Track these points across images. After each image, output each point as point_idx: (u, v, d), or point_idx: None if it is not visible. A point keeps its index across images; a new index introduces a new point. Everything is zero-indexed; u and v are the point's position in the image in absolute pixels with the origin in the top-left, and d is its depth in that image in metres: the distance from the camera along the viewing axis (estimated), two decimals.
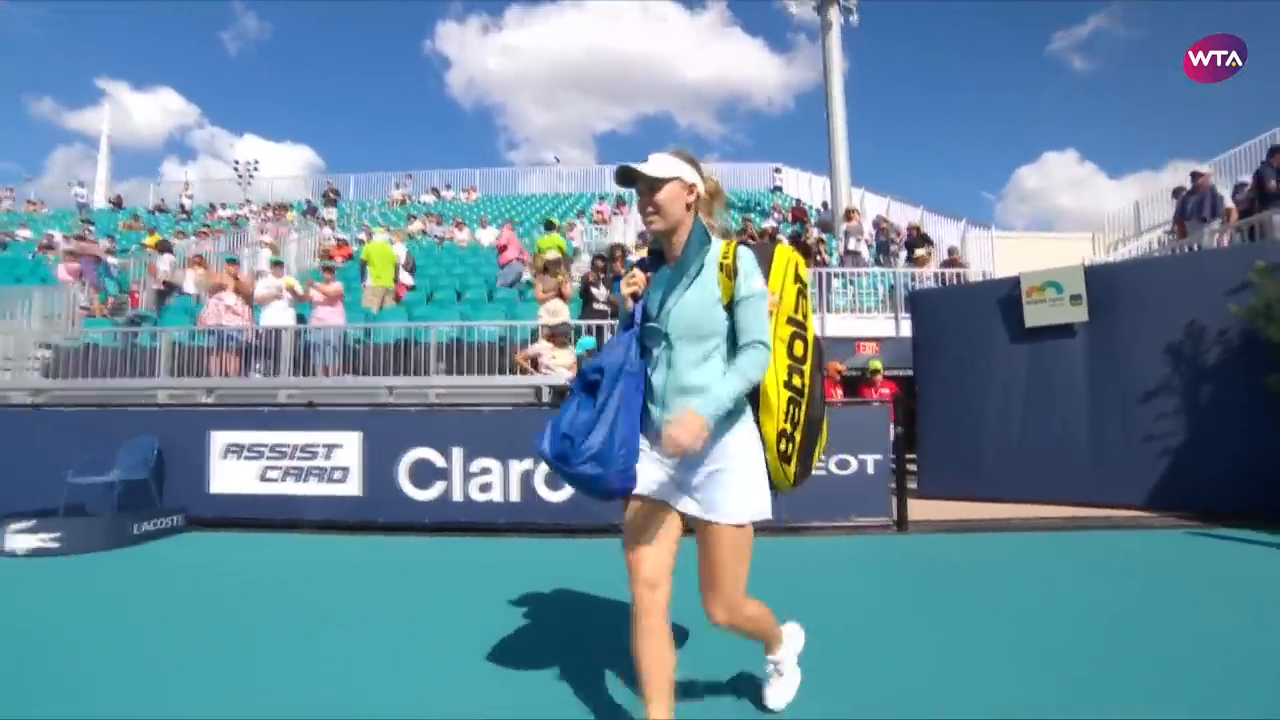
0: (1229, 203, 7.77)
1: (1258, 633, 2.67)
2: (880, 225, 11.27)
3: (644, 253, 7.94)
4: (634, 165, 1.63)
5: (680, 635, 2.43)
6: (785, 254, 1.85)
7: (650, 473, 1.65)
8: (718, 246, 1.68)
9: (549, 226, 11.50)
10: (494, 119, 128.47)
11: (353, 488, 5.06)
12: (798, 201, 17.67)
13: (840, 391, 7.49)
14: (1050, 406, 6.24)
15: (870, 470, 5.06)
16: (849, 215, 11.48)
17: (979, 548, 4.43)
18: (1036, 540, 4.61)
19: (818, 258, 10.39)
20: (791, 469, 1.78)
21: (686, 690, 2.03)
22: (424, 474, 4.99)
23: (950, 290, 8.68)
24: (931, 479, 6.62)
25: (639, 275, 1.77)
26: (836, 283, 10.06)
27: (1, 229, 16.76)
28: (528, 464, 4.96)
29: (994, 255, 10.04)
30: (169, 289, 10.47)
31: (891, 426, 5.16)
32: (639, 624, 1.59)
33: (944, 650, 2.54)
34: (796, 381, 1.75)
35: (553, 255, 8.92)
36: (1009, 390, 6.47)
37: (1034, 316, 6.44)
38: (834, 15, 14.69)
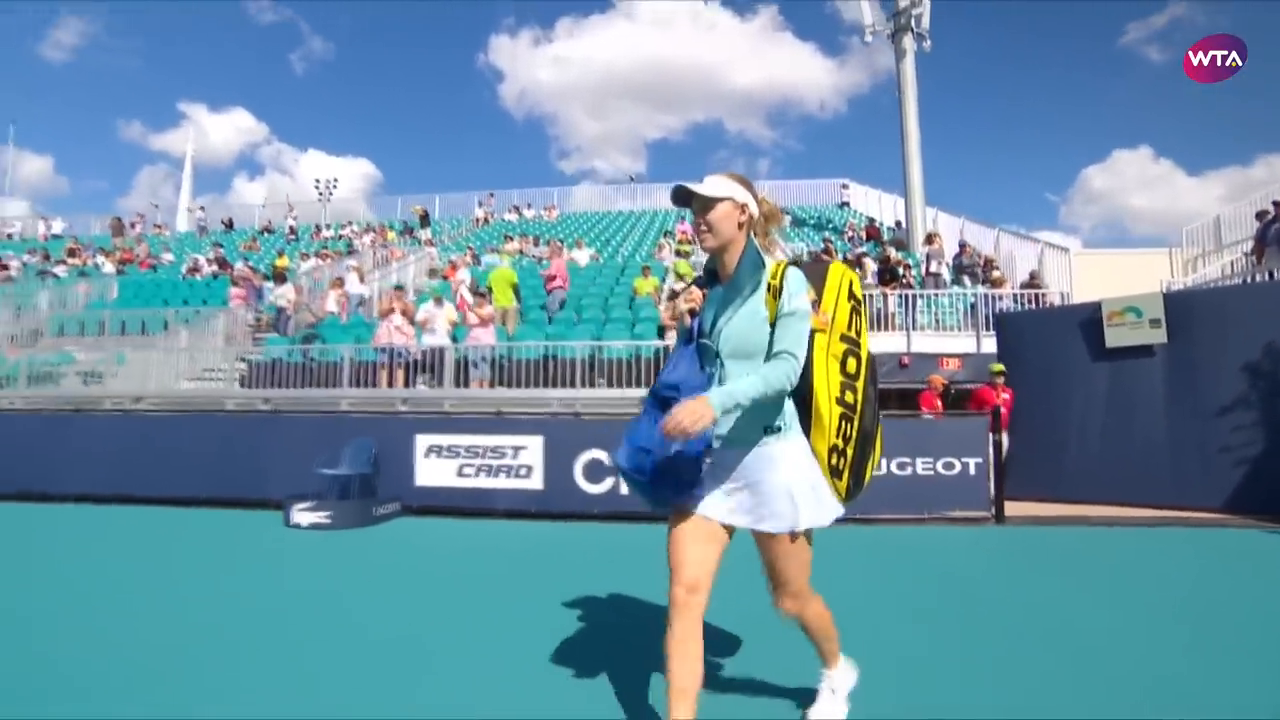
0: None
1: None
2: (964, 249, 12.03)
3: None
4: (688, 185, 1.71)
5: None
6: (839, 271, 1.88)
7: (714, 491, 1.73)
8: (769, 267, 1.73)
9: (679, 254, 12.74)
10: (545, 129, 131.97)
11: (536, 482, 6.25)
12: (871, 221, 18.38)
13: (941, 403, 8.32)
14: (1130, 418, 6.98)
15: (972, 471, 5.96)
16: (930, 239, 12.26)
17: (1066, 539, 5.28)
18: (1117, 533, 5.42)
19: (904, 280, 11.20)
20: (844, 484, 1.81)
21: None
22: (595, 471, 6.15)
23: (1035, 313, 9.42)
24: (1017, 481, 7.41)
25: (696, 293, 1.83)
26: (920, 302, 10.85)
27: (151, 254, 18.96)
28: None
29: (1071, 276, 10.66)
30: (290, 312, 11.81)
31: (990, 435, 6.04)
32: (673, 625, 1.64)
33: (1037, 622, 3.48)
34: (849, 398, 1.79)
35: (680, 285, 10.08)
36: (1090, 403, 7.22)
37: (1115, 338, 7.18)
38: (908, 43, 15.45)
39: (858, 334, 1.85)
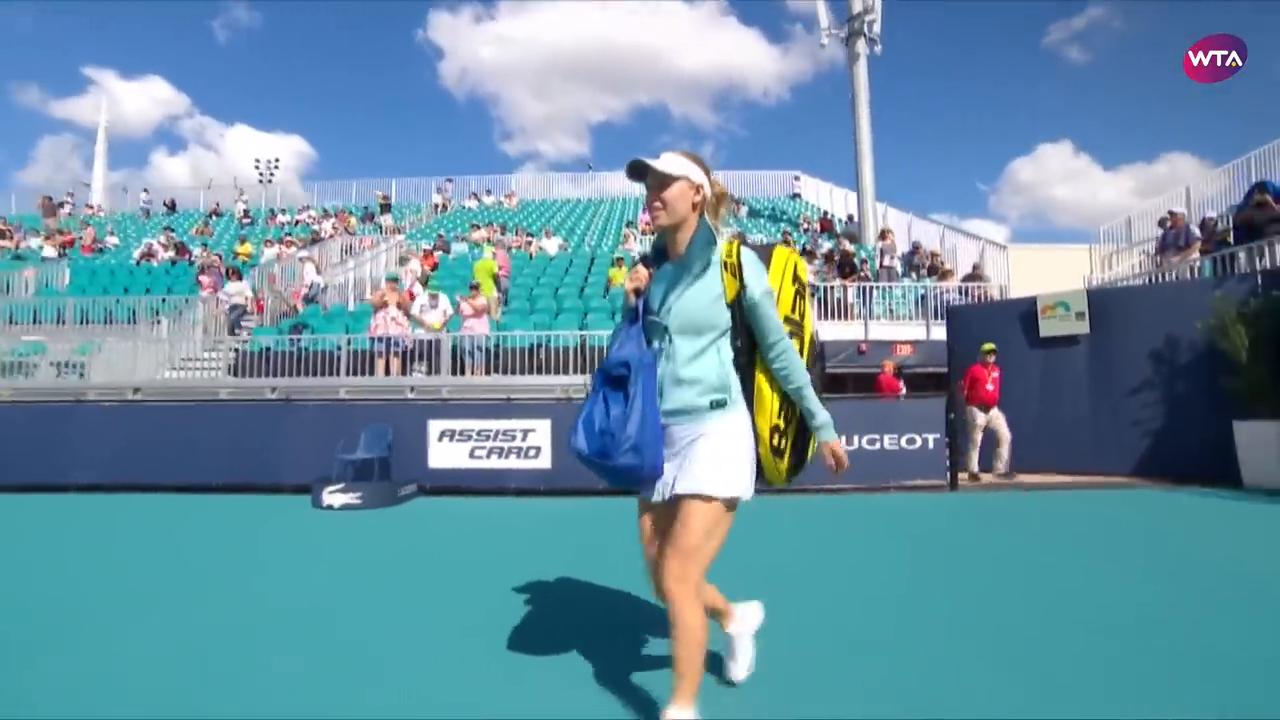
0: (1198, 234, 9.60)
1: (1206, 551, 4.51)
2: (916, 249, 13.15)
3: None
4: (646, 159, 1.72)
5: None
6: (784, 255, 1.91)
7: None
8: (720, 245, 1.77)
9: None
10: (488, 109, 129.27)
11: (544, 462, 6.83)
12: (825, 213, 19.44)
13: (903, 385, 9.26)
14: (1058, 397, 8.08)
15: (930, 446, 6.89)
16: (883, 235, 13.31)
17: (1007, 501, 6.25)
18: (1048, 496, 6.45)
19: (860, 273, 12.18)
20: (784, 463, 1.83)
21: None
22: None
23: (980, 306, 10.53)
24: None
25: (641, 272, 1.84)
26: (876, 294, 11.85)
27: (96, 238, 18.24)
28: None
29: (1008, 270, 11.86)
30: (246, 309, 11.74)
31: (946, 414, 6.98)
32: (673, 612, 1.66)
33: (989, 560, 4.35)
34: None
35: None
36: (1026, 384, 8.29)
37: (1047, 329, 8.27)
38: (861, 47, 16.44)
39: (801, 317, 1.87)
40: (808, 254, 14.37)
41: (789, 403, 1.79)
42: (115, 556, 4.30)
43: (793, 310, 1.86)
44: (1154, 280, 9.99)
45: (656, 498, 1.75)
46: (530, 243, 15.41)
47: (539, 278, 12.58)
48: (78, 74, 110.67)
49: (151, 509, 6.13)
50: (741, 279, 1.71)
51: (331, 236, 16.54)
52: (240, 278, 12.62)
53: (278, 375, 9.20)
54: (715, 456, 1.66)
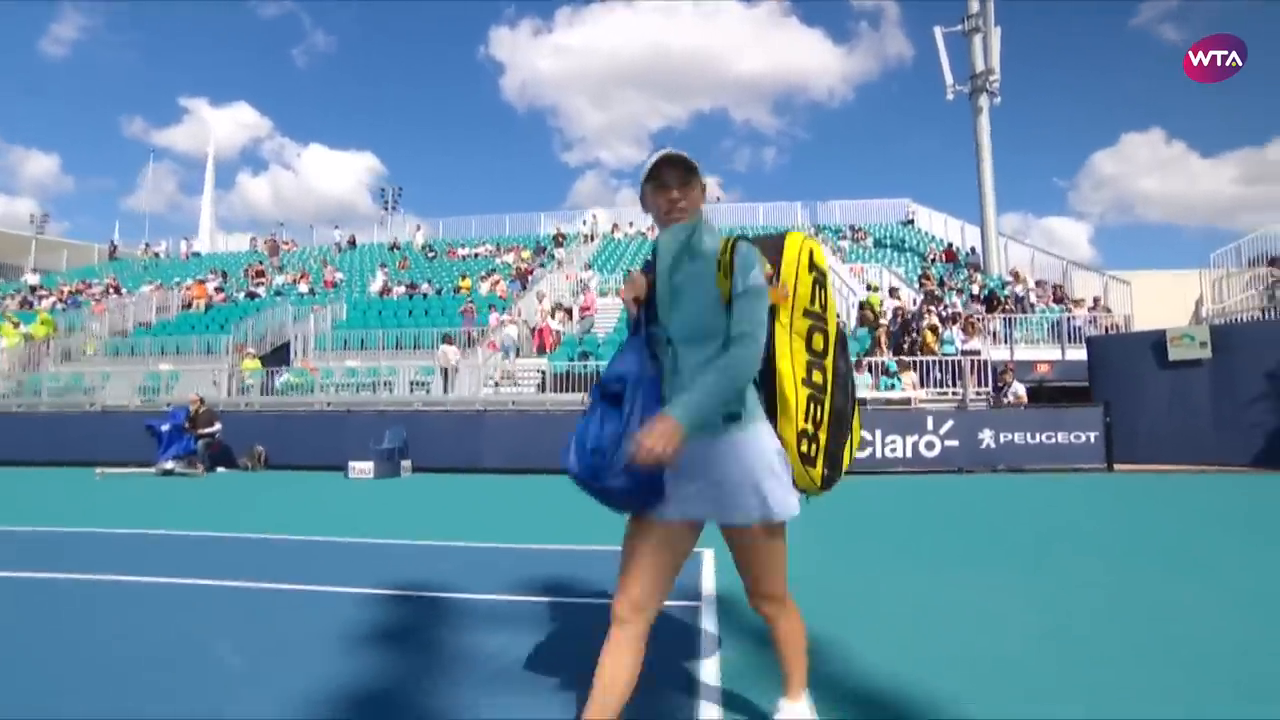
0: None
1: None
2: (1039, 283, 16.06)
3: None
4: (680, 152, 1.68)
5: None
6: (797, 241, 1.81)
7: (673, 488, 1.61)
8: (717, 243, 1.67)
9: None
10: (547, 120, 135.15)
11: None
12: (949, 245, 22.28)
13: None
14: (1186, 405, 10.96)
15: (1091, 440, 9.97)
16: (1015, 275, 16.30)
17: (1151, 481, 9.24)
18: (1184, 478, 9.41)
19: (1004, 305, 15.14)
20: (817, 471, 1.75)
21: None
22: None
23: (1116, 336, 13.42)
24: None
25: (640, 279, 1.76)
26: (1016, 322, 14.79)
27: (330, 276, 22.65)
28: None
29: (1132, 302, 14.67)
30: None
31: (1104, 419, 10.05)
32: (611, 637, 1.61)
33: (1142, 528, 7.42)
34: (817, 378, 1.74)
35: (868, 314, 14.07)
36: (1159, 395, 11.17)
37: (1175, 354, 11.17)
38: (983, 102, 19.37)
39: (823, 308, 1.79)
40: (942, 285, 17.36)
41: (815, 405, 1.73)
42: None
43: (812, 302, 1.77)
44: (1265, 316, 12.72)
45: (670, 515, 1.62)
46: None
47: None
48: (175, 104, 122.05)
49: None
50: (732, 276, 1.60)
51: (529, 272, 20.41)
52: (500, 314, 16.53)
53: (573, 391, 12.85)
54: (758, 480, 1.59)
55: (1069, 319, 14.59)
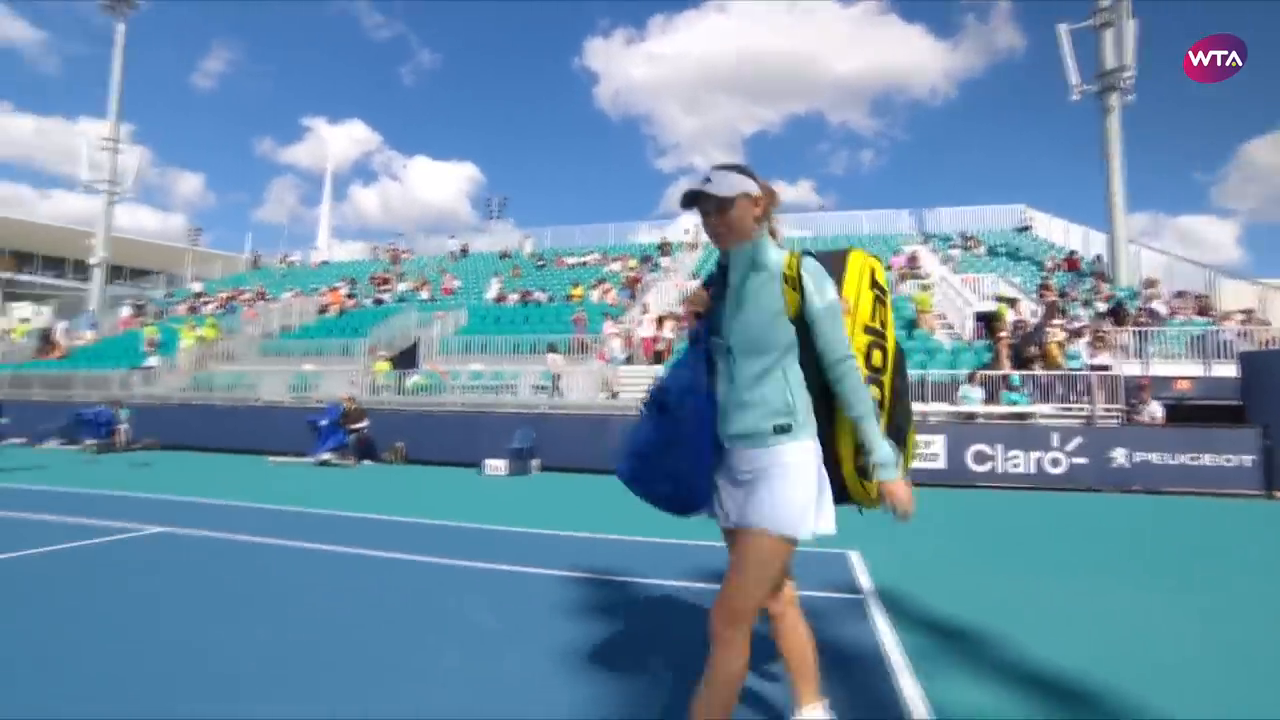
0: None
1: None
2: (1180, 295, 15.10)
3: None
4: (702, 187, 1.69)
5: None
6: (859, 259, 1.87)
7: (724, 497, 1.76)
8: (781, 257, 1.71)
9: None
10: (640, 128, 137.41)
11: (940, 464, 10.16)
12: (1072, 252, 21.22)
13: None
14: None
15: (1247, 464, 9.42)
16: (1150, 283, 15.42)
17: None
18: None
19: (1137, 317, 14.38)
20: (873, 485, 1.74)
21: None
22: (980, 458, 10.00)
23: (1275, 351, 12.49)
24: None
25: (701, 294, 1.85)
26: (1152, 335, 14.01)
27: (426, 280, 24.27)
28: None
29: None
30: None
31: (1261, 441, 9.48)
32: (775, 630, 1.96)
33: None
34: (874, 394, 1.75)
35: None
36: None
37: None
38: (1114, 100, 18.38)
39: (883, 325, 1.83)
40: (1063, 296, 16.64)
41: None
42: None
43: (872, 318, 1.82)
44: None
45: (722, 523, 1.73)
46: None
47: None
48: (297, 123, 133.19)
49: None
50: (802, 292, 1.64)
51: (638, 280, 21.12)
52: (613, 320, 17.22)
53: None
54: (778, 491, 1.63)
55: (1215, 332, 13.68)
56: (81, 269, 45.96)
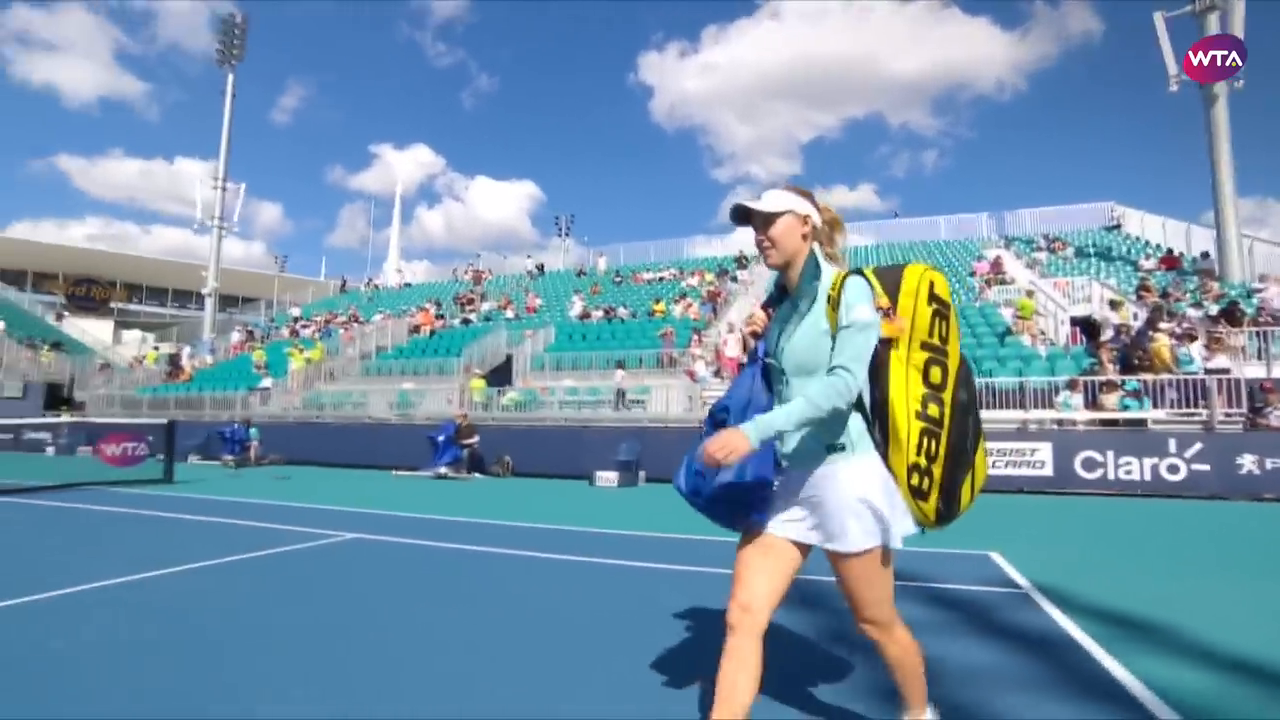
0: None
1: None
2: None
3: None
4: (746, 202, 1.78)
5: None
6: (917, 273, 1.84)
7: (784, 514, 1.79)
8: (829, 278, 1.75)
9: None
10: (696, 139, 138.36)
11: (1048, 471, 10.17)
12: (1169, 251, 20.50)
13: None
14: None
15: None
16: (1263, 278, 14.83)
17: None
18: None
19: (1258, 317, 13.86)
20: (930, 505, 1.79)
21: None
22: (1091, 464, 9.97)
23: None
24: None
25: (759, 315, 1.91)
26: (1273, 335, 13.47)
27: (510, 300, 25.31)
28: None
29: None
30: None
31: None
32: (726, 642, 1.72)
33: None
34: (933, 411, 1.77)
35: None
36: None
37: None
38: (1219, 88, 17.70)
39: (944, 340, 1.82)
40: (1165, 296, 16.13)
41: (930, 438, 1.76)
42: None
43: (931, 334, 1.81)
44: None
45: (774, 531, 1.79)
46: None
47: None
48: (366, 151, 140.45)
49: None
50: (838, 310, 1.68)
51: (718, 294, 21.57)
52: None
53: None
54: (857, 510, 1.69)
55: None
56: (179, 297, 50.01)
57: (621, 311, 21.91)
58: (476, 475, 13.44)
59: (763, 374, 1.84)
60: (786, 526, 1.79)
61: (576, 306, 23.15)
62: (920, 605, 3.78)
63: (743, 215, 1.82)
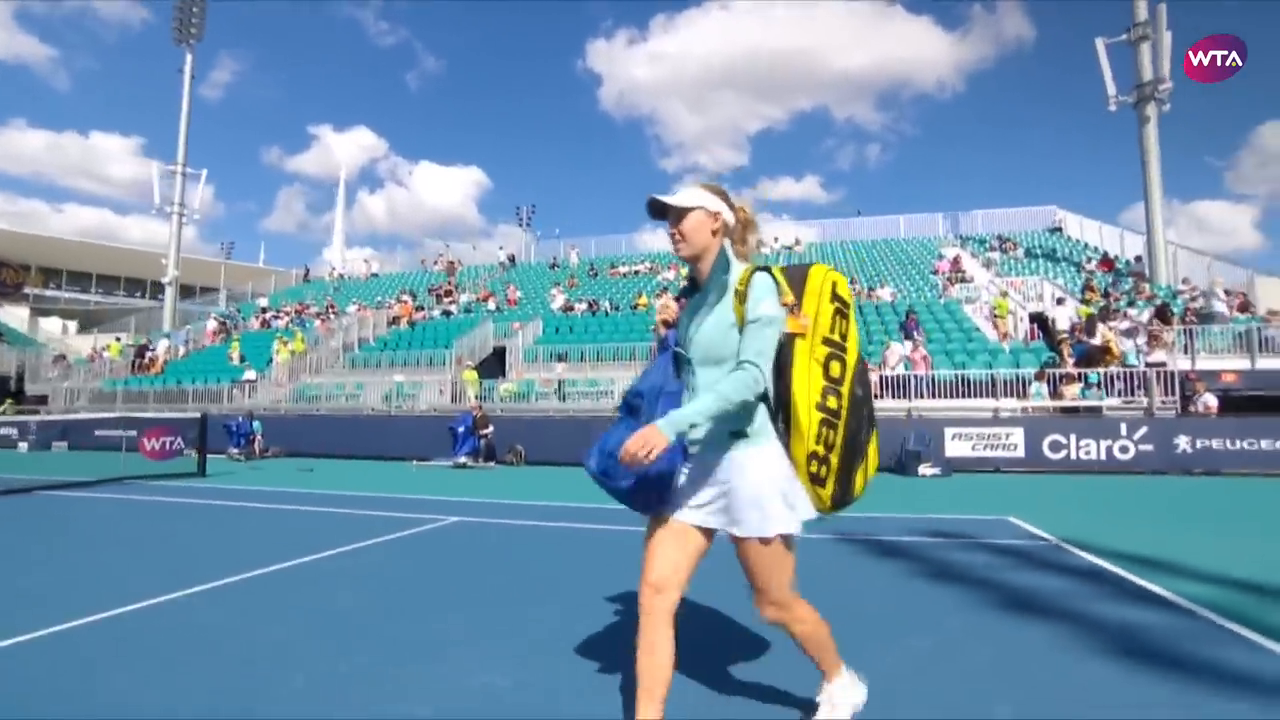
0: None
1: None
2: (1228, 292, 16.61)
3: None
4: (660, 196, 1.87)
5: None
6: (821, 273, 1.98)
7: (690, 498, 1.88)
8: (737, 272, 1.87)
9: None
10: (644, 129, 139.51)
11: (1020, 453, 11.66)
12: (1105, 254, 22.68)
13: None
14: None
15: None
16: (1185, 281, 16.88)
17: None
18: None
19: (1185, 318, 15.83)
20: (826, 491, 1.91)
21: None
22: (1057, 446, 11.51)
23: None
24: None
25: (671, 305, 2.02)
26: (1196, 331, 15.46)
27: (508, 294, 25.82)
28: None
29: None
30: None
31: None
32: (641, 625, 1.83)
33: None
34: (832, 403, 1.88)
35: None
36: None
37: None
38: (1150, 110, 19.82)
39: (843, 337, 1.95)
40: (1107, 296, 18.10)
41: (829, 428, 1.87)
42: None
43: (832, 330, 1.93)
44: None
45: (681, 517, 1.88)
46: (872, 292, 20.47)
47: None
48: (304, 132, 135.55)
49: None
50: (746, 304, 1.79)
51: None
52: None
53: None
54: (760, 496, 1.79)
55: (1259, 329, 15.14)
56: (104, 282, 47.79)
57: (606, 305, 22.74)
58: (492, 464, 14.13)
59: (674, 361, 1.95)
60: (693, 513, 1.89)
61: (558, 300, 23.85)
62: (974, 554, 4.89)
63: (658, 209, 1.92)
